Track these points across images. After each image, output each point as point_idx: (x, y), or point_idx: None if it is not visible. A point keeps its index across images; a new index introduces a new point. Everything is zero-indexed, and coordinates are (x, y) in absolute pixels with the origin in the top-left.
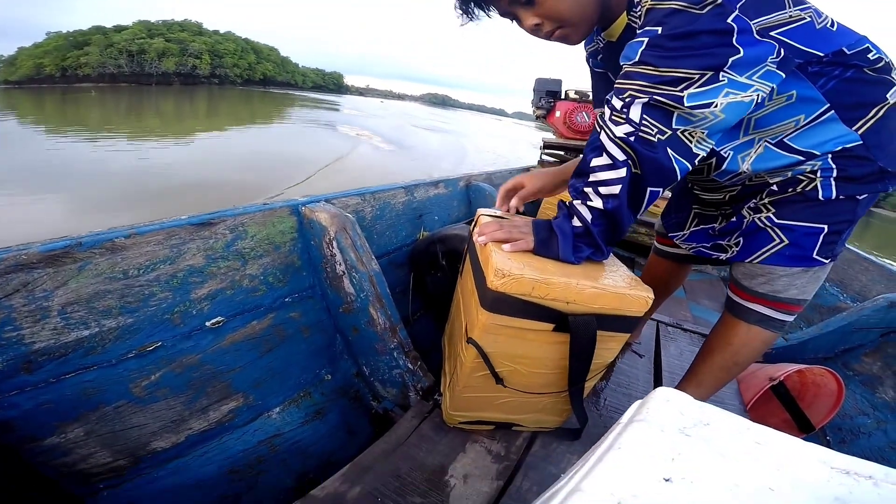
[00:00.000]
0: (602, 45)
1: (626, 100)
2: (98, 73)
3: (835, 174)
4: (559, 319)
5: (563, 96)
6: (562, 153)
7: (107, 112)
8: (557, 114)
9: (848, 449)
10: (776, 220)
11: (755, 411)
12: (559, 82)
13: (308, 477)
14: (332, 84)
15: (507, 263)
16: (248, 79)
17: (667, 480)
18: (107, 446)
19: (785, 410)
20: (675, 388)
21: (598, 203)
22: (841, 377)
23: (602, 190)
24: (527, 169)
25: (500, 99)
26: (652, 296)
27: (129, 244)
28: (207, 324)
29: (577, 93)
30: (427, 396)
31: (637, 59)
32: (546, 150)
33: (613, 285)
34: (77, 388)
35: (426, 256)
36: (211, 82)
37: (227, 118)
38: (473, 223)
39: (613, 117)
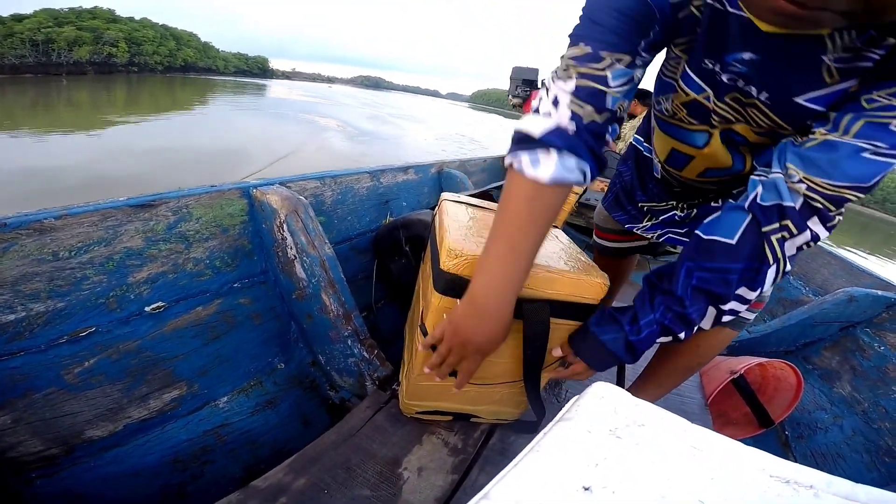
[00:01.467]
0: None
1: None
2: None
3: None
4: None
5: (539, 85)
6: None
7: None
8: (534, 103)
9: (805, 444)
10: None
11: (717, 405)
12: (535, 71)
13: (259, 468)
14: (256, 68)
15: (461, 243)
16: (169, 66)
17: (586, 489)
18: (38, 434)
19: (746, 404)
20: (634, 383)
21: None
22: (801, 371)
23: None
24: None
25: (433, 80)
26: (607, 282)
27: (60, 225)
28: (147, 309)
29: None
30: (384, 386)
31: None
32: None
33: (568, 270)
34: (2, 374)
35: (389, 242)
36: (130, 70)
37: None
38: (437, 208)
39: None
